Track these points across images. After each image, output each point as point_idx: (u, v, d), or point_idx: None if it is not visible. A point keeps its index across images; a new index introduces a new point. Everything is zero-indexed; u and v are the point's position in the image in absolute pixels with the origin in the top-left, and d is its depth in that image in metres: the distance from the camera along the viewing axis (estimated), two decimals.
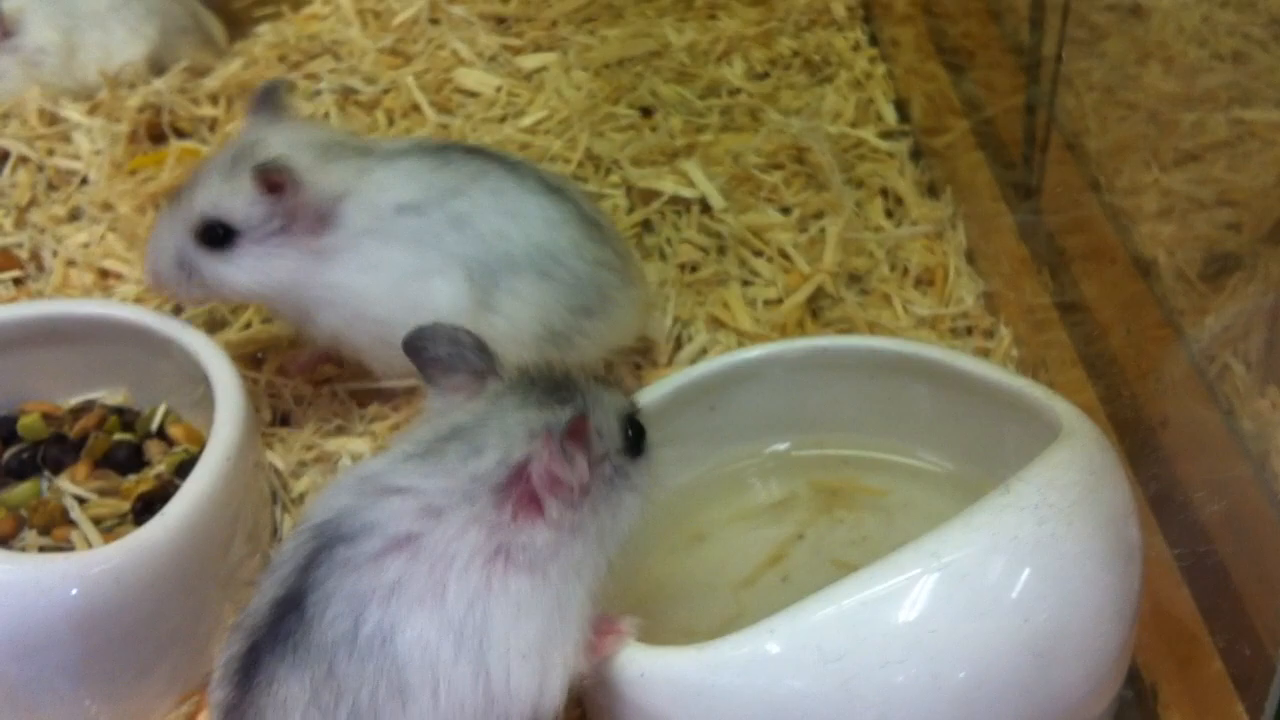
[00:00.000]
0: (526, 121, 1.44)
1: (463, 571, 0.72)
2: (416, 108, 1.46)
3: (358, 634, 0.70)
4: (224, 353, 1.02)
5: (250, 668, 0.72)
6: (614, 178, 1.35)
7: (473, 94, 1.50)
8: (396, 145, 1.07)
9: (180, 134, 1.47)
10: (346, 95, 1.47)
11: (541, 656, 0.73)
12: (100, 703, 0.90)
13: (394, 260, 1.01)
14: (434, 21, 1.59)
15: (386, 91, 1.48)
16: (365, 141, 1.08)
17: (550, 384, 0.79)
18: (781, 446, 1.03)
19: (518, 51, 1.56)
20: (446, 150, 1.07)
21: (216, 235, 0.99)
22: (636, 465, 0.81)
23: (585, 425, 0.75)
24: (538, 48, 1.56)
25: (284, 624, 0.71)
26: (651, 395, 0.98)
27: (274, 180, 0.97)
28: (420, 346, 0.80)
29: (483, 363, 0.79)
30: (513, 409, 0.76)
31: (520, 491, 0.74)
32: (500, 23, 1.60)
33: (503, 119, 1.46)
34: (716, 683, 0.76)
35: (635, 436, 0.81)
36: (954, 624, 0.74)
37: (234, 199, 0.98)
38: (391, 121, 1.45)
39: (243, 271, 1.00)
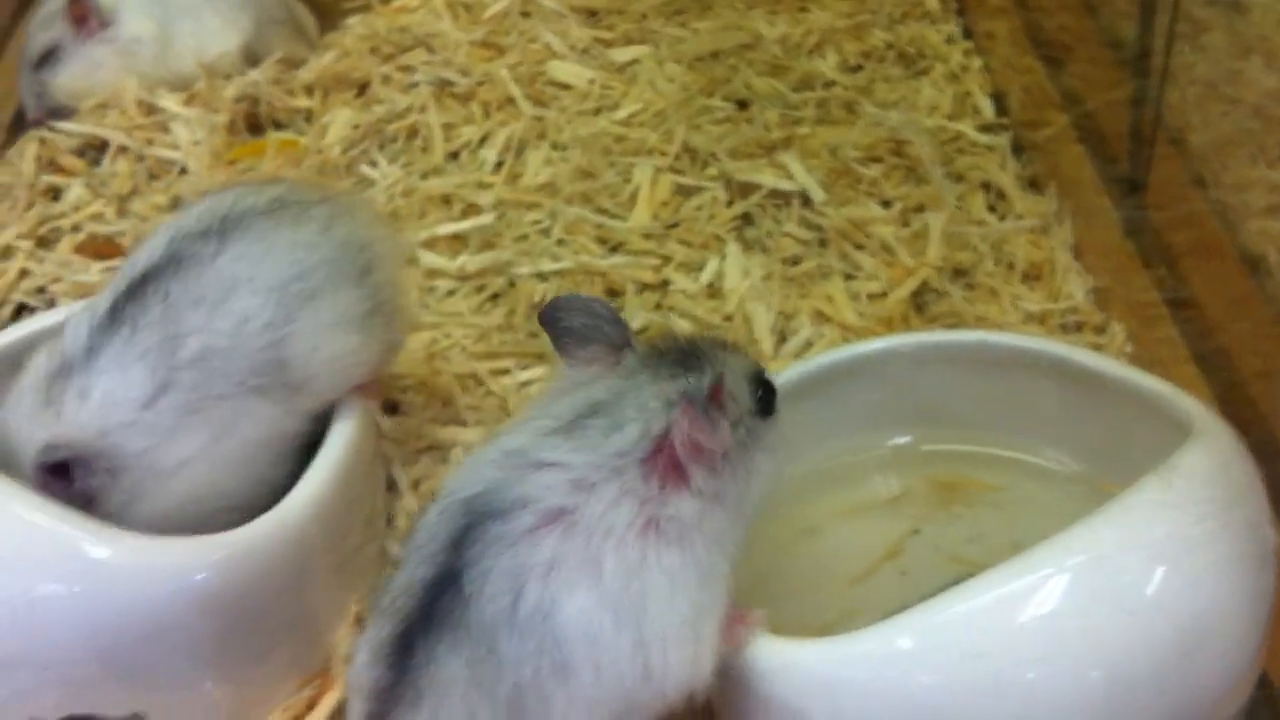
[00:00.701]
0: (621, 114, 1.44)
1: (618, 545, 0.72)
2: (511, 100, 1.46)
3: (517, 611, 0.70)
4: None
5: (405, 649, 0.71)
6: (711, 170, 1.35)
7: (565, 86, 1.50)
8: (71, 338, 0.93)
9: (277, 125, 1.48)
10: (442, 87, 1.47)
11: (695, 629, 0.73)
12: (221, 685, 0.90)
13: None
14: (524, 14, 1.59)
15: (481, 84, 1.48)
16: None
17: (679, 353, 0.79)
18: (897, 440, 1.02)
19: (609, 44, 1.55)
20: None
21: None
22: (767, 425, 0.81)
23: (721, 390, 0.76)
24: (629, 41, 1.56)
25: (440, 603, 0.71)
26: None
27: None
28: (556, 317, 0.80)
29: (617, 335, 0.79)
30: (647, 383, 0.76)
31: (665, 462, 0.74)
32: (591, 15, 1.60)
33: (597, 111, 1.45)
34: (847, 676, 0.76)
35: (765, 396, 0.81)
36: (1099, 621, 0.73)
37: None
38: (487, 114, 1.45)
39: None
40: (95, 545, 0.85)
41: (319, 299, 0.95)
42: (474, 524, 0.72)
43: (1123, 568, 0.74)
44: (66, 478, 0.88)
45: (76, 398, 0.90)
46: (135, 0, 1.54)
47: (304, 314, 0.95)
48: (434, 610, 0.72)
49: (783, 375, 0.98)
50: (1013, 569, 0.75)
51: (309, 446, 0.96)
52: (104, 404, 0.90)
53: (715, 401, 0.75)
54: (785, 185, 1.31)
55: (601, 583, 0.71)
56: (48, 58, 1.52)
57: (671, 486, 0.74)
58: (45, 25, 1.54)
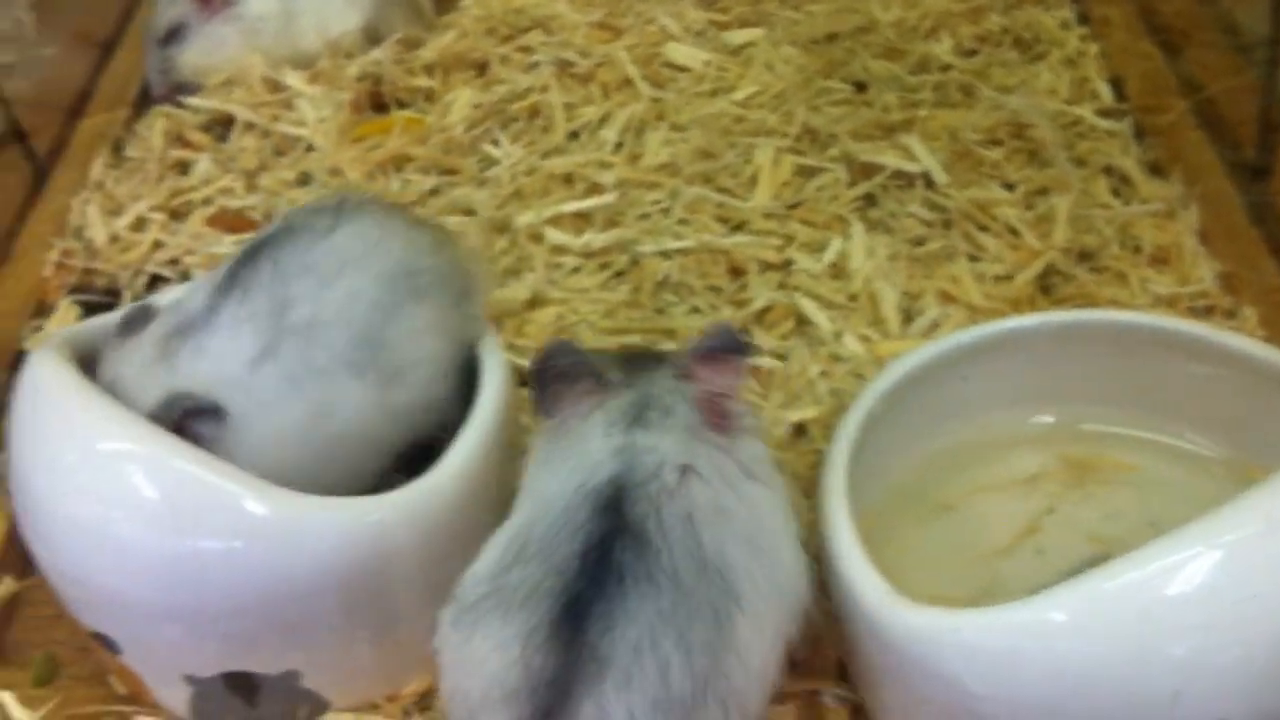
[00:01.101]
0: (739, 96, 1.45)
1: (735, 489, 0.82)
2: (629, 82, 1.48)
3: (702, 550, 0.77)
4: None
5: (574, 625, 0.73)
6: (833, 151, 1.35)
7: (682, 68, 1.51)
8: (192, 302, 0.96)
9: (399, 104, 1.51)
10: (563, 68, 1.49)
11: (797, 547, 0.83)
12: (373, 645, 0.93)
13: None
14: None
15: (600, 65, 1.50)
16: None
17: (642, 357, 0.91)
18: (1034, 419, 1.03)
19: (724, 27, 1.57)
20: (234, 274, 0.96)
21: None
22: None
23: (701, 349, 0.85)
24: (744, 23, 1.57)
25: (608, 567, 0.74)
26: (905, 363, 0.98)
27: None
28: (546, 366, 0.85)
29: (596, 365, 0.86)
30: (653, 377, 0.86)
31: (712, 413, 0.84)
32: None
33: (713, 93, 1.47)
34: (1004, 645, 0.77)
35: None
36: (1258, 593, 0.73)
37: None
38: (606, 94, 1.47)
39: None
40: (256, 501, 0.88)
41: (424, 300, 0.98)
42: (624, 489, 0.78)
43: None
44: (184, 428, 0.91)
45: (192, 354, 0.93)
46: None
47: (409, 306, 0.97)
48: (603, 575, 0.74)
49: (921, 352, 0.99)
50: (1168, 543, 0.76)
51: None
52: (216, 361, 0.93)
53: (706, 359, 0.85)
54: (908, 166, 1.31)
55: (735, 521, 0.80)
56: (174, 35, 1.55)
57: (730, 429, 0.84)
58: (171, 2, 1.57)
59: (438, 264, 1.00)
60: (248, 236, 1.30)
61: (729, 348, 0.85)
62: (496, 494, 0.98)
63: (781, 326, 1.20)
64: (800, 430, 1.11)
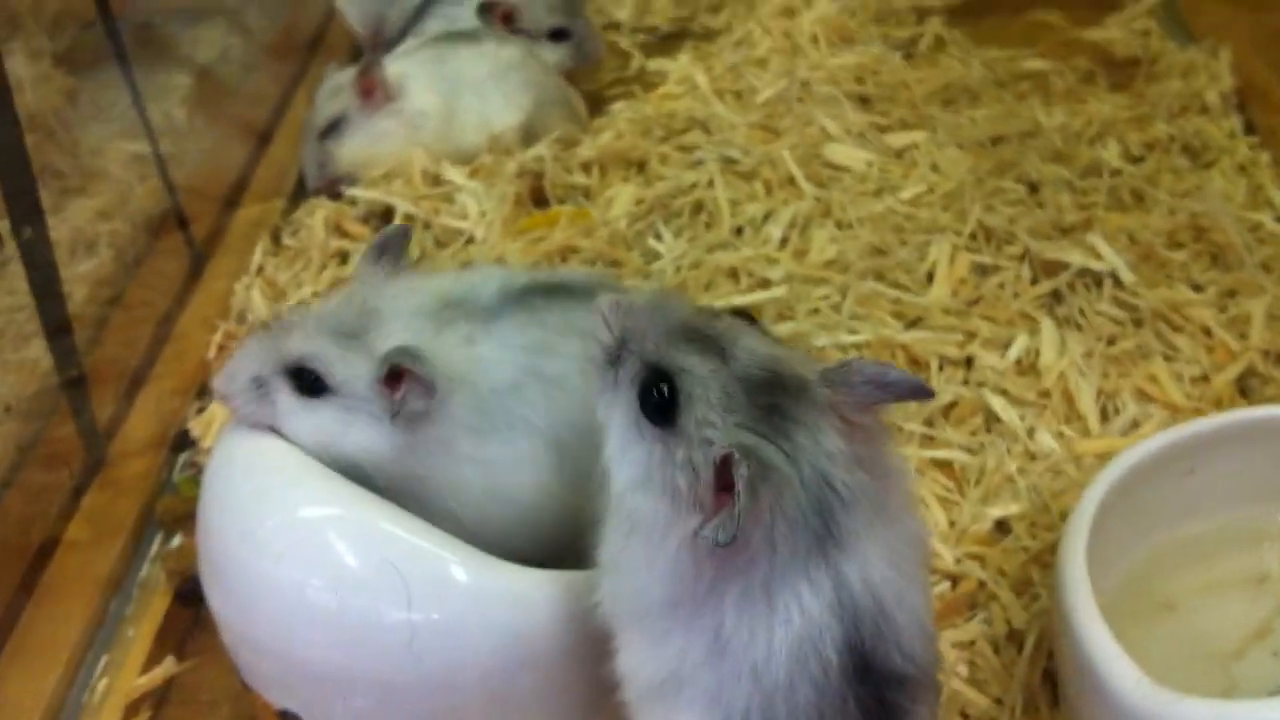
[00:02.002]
0: (906, 194, 1.43)
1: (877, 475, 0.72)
2: (792, 180, 1.47)
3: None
4: None
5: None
6: (1011, 249, 1.33)
7: (843, 168, 1.49)
8: (486, 291, 0.95)
9: (559, 200, 1.50)
10: (726, 164, 1.48)
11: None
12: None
13: (489, 456, 0.92)
14: (799, 100, 1.60)
15: (762, 163, 1.49)
16: (457, 287, 0.96)
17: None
18: (1260, 515, 0.98)
19: (884, 130, 1.56)
20: (530, 296, 0.95)
21: (307, 382, 0.92)
22: None
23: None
24: (905, 126, 1.56)
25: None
26: (1131, 456, 0.94)
27: (396, 372, 0.89)
28: None
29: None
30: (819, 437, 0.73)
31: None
32: (863, 102, 1.61)
33: (878, 192, 1.45)
34: None
35: None
36: None
37: (345, 369, 0.91)
38: (769, 191, 1.46)
39: (318, 429, 0.91)
40: (459, 568, 0.84)
41: None
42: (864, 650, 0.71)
43: None
44: (397, 386, 0.89)
45: (461, 339, 0.91)
46: (422, 75, 1.59)
47: None
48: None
49: (1152, 443, 0.95)
50: None
51: None
52: (476, 355, 0.91)
53: None
54: (1095, 265, 1.28)
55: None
56: (333, 128, 1.56)
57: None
58: (331, 97, 1.59)
59: None
60: None
61: (904, 391, 0.73)
62: None
63: (970, 422, 1.16)
64: (1002, 526, 1.07)
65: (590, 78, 1.77)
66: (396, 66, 1.58)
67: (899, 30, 1.81)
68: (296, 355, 0.91)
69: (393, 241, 0.97)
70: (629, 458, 0.73)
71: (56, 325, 1.23)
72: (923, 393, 0.74)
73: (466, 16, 1.70)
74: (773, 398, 0.70)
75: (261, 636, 0.88)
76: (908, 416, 1.16)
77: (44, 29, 1.70)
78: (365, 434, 0.91)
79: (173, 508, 1.19)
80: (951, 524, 1.08)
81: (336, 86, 1.60)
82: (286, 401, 0.92)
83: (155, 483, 1.22)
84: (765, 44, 1.75)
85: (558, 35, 1.72)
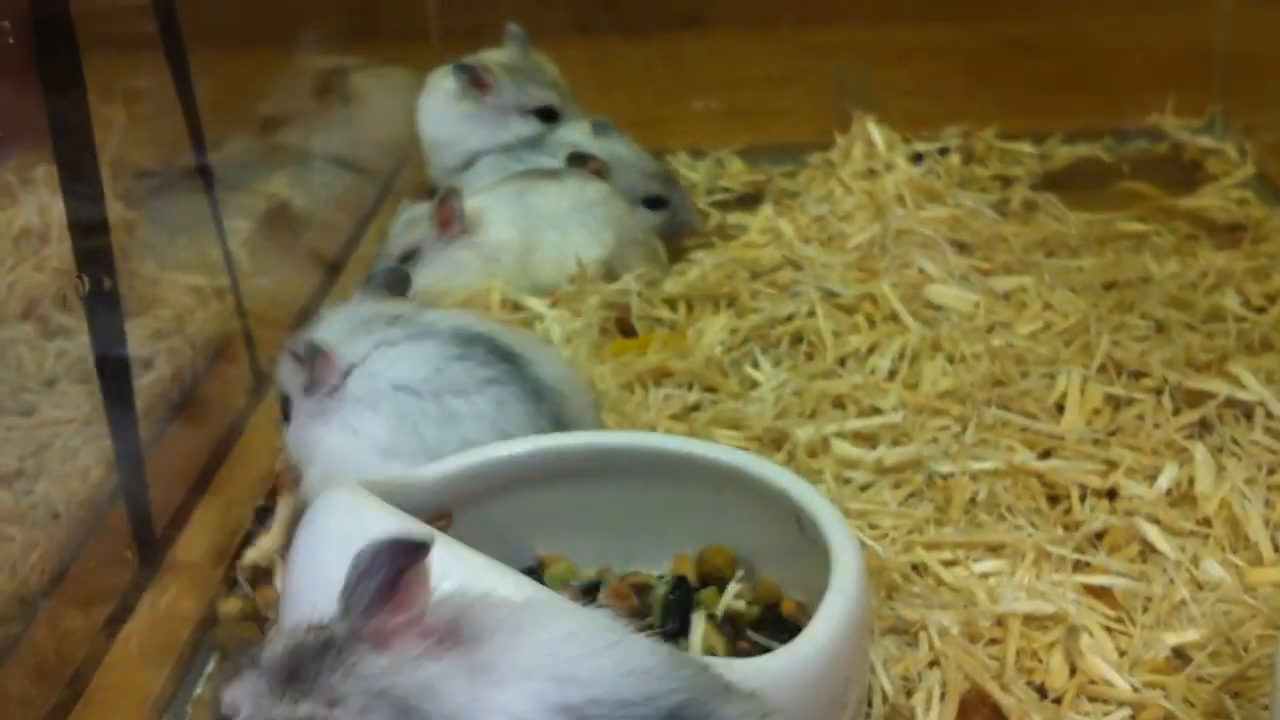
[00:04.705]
0: (1022, 330, 1.34)
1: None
2: (895, 316, 1.38)
3: None
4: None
5: None
6: (1146, 382, 1.23)
7: (948, 308, 1.41)
8: (442, 321, 1.09)
9: (645, 333, 1.42)
10: (826, 296, 1.40)
11: None
12: None
13: (372, 431, 1.04)
14: (894, 245, 1.53)
15: (862, 298, 1.40)
16: (415, 312, 1.11)
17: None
18: None
19: (987, 273, 1.48)
20: (472, 343, 1.07)
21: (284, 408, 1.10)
22: None
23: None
24: (1009, 271, 1.48)
25: None
26: None
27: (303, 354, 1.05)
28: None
29: None
30: None
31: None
32: (961, 248, 1.54)
33: (990, 329, 1.36)
34: None
35: None
36: None
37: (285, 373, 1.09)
38: (872, 325, 1.37)
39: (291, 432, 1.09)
40: None
41: None
42: None
43: None
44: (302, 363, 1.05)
45: (378, 339, 1.06)
46: (502, 208, 1.53)
47: None
48: None
49: None
50: None
51: None
52: (395, 354, 1.05)
53: None
54: (1241, 395, 1.18)
55: None
56: (409, 258, 1.49)
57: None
58: (408, 228, 1.53)
59: None
60: None
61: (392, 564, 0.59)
62: (850, 675, 0.81)
63: (1125, 550, 1.05)
64: (1179, 654, 0.94)
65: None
66: (476, 200, 1.53)
67: (986, 195, 1.76)
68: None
69: (393, 281, 1.15)
70: None
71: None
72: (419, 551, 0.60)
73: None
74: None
75: None
76: (1057, 543, 1.05)
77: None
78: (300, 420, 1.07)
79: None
80: (1122, 653, 0.95)
81: (413, 218, 1.54)
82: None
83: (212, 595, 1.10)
84: (849, 201, 1.70)
85: (653, 204, 1.66)
